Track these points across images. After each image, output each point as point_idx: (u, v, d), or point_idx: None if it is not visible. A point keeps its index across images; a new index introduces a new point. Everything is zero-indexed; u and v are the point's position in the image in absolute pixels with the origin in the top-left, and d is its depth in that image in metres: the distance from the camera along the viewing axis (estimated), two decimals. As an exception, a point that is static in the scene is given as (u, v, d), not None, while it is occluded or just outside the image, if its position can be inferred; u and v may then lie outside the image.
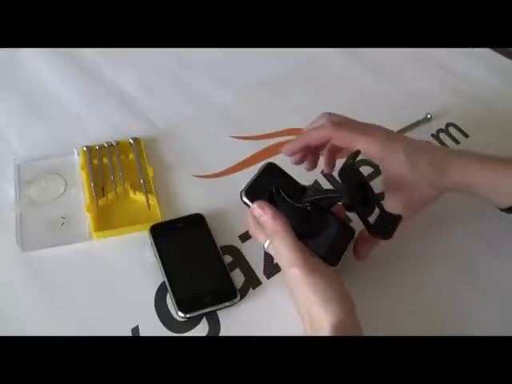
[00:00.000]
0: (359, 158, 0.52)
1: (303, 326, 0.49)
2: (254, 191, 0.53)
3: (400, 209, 0.53)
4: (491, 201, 0.56)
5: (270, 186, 0.54)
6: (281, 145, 0.70)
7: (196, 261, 0.58)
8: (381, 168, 0.55)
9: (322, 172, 0.66)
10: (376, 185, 0.54)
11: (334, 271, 0.51)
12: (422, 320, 0.55)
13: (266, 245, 0.53)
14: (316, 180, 0.66)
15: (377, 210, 0.52)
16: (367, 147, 0.54)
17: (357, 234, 0.56)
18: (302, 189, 0.55)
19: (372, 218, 0.52)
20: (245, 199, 0.53)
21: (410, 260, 0.59)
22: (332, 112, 0.58)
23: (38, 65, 0.80)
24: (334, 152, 0.60)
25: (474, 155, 0.54)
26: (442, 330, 0.54)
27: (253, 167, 0.68)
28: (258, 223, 0.53)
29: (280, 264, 0.52)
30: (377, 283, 0.57)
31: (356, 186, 0.51)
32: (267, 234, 0.52)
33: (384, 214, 0.52)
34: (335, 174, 0.64)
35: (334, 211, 0.55)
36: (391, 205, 0.53)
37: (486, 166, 0.54)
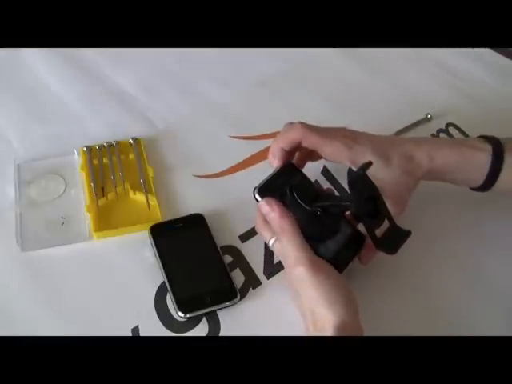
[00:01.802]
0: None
1: (305, 326, 0.49)
2: (267, 189, 0.53)
3: (389, 206, 0.52)
4: (462, 182, 0.57)
5: (284, 185, 0.54)
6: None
7: (196, 261, 0.58)
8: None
9: (322, 172, 0.67)
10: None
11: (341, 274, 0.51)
12: (424, 322, 0.55)
13: (270, 242, 0.53)
14: (316, 180, 0.66)
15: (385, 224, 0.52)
16: (334, 152, 0.54)
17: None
18: (317, 192, 0.55)
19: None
20: (257, 196, 0.53)
21: (412, 262, 0.59)
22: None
23: (38, 65, 0.80)
24: (305, 155, 0.60)
25: (440, 141, 0.57)
26: (445, 332, 0.54)
27: (253, 167, 0.68)
28: (266, 220, 0.53)
29: (285, 263, 0.52)
30: (378, 286, 0.57)
31: (366, 197, 0.51)
32: (274, 231, 0.52)
33: (394, 228, 0.52)
34: (344, 182, 0.65)
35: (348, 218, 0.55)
36: None
37: (452, 149, 0.55)
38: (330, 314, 0.46)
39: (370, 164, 0.51)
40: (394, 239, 0.52)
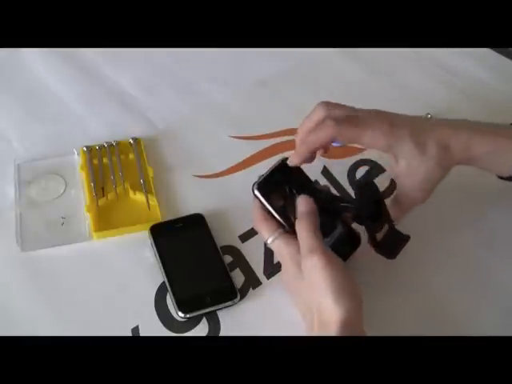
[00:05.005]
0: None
1: (308, 318, 0.49)
2: (266, 186, 0.53)
3: (415, 192, 0.53)
4: (492, 171, 0.57)
5: (283, 181, 0.54)
6: (281, 145, 0.71)
7: (196, 261, 0.58)
8: (389, 157, 0.55)
9: (322, 172, 0.67)
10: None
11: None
12: (424, 322, 0.55)
13: (269, 240, 0.53)
14: (316, 180, 0.66)
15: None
16: (372, 141, 0.53)
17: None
18: (315, 189, 0.55)
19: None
20: (256, 193, 0.53)
21: (412, 261, 0.58)
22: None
23: (38, 65, 0.80)
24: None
25: (477, 129, 0.54)
26: (446, 332, 0.53)
27: (253, 167, 0.68)
28: (264, 217, 0.53)
29: (301, 251, 0.50)
30: (378, 285, 0.57)
31: (370, 200, 0.51)
32: (297, 212, 0.51)
33: (393, 232, 0.52)
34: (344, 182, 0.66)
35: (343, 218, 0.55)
36: (405, 190, 0.54)
37: (488, 140, 0.54)
38: (336, 307, 0.46)
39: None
40: (393, 243, 0.53)
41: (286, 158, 0.55)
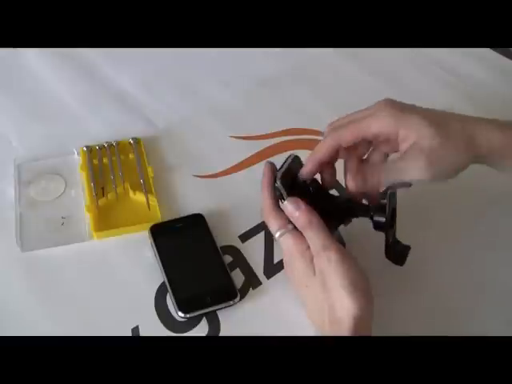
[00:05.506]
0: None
1: (320, 314, 0.49)
2: (286, 179, 0.52)
3: (430, 171, 0.49)
4: (505, 169, 0.53)
5: (298, 177, 0.54)
6: (281, 145, 0.71)
7: (196, 261, 0.58)
8: (400, 141, 0.52)
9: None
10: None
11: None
12: (424, 322, 0.55)
13: (277, 234, 0.52)
14: (316, 180, 0.65)
15: None
16: (381, 125, 0.51)
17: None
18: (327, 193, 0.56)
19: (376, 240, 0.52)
20: (278, 184, 0.52)
21: (418, 262, 0.58)
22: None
23: (38, 65, 0.80)
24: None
25: (497, 124, 0.52)
26: (450, 332, 0.53)
27: (253, 167, 0.68)
28: (274, 208, 0.52)
29: (313, 249, 0.50)
30: (383, 286, 0.56)
31: (393, 208, 0.52)
32: (300, 226, 0.50)
33: (394, 242, 0.53)
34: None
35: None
36: (420, 166, 0.50)
37: (508, 137, 0.51)
38: (351, 304, 0.46)
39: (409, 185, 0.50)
40: (399, 251, 0.53)
41: (297, 156, 0.55)
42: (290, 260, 0.52)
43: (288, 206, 0.51)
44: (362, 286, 0.47)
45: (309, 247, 0.50)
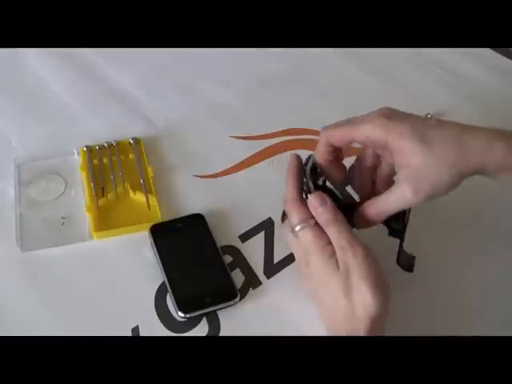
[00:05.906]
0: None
1: (335, 310, 0.48)
2: (313, 171, 0.53)
3: (419, 196, 0.48)
4: (503, 183, 0.50)
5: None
6: (281, 145, 0.71)
7: (196, 261, 0.58)
8: (391, 153, 0.50)
9: None
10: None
11: None
12: (424, 322, 0.55)
13: (298, 227, 0.50)
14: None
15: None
16: (369, 131, 0.50)
17: None
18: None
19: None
20: (308, 178, 0.52)
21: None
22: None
23: (38, 65, 0.80)
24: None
25: (494, 133, 0.48)
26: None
27: (253, 167, 0.68)
28: (298, 201, 0.51)
29: (337, 244, 0.49)
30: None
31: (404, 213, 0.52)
32: (323, 221, 0.50)
33: (401, 251, 0.53)
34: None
35: None
36: (407, 195, 0.48)
37: (505, 147, 0.47)
38: (373, 301, 0.46)
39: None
40: (405, 257, 0.54)
41: (311, 155, 0.54)
42: (306, 256, 0.51)
43: (313, 200, 0.50)
44: (382, 280, 0.48)
45: (328, 243, 0.49)
